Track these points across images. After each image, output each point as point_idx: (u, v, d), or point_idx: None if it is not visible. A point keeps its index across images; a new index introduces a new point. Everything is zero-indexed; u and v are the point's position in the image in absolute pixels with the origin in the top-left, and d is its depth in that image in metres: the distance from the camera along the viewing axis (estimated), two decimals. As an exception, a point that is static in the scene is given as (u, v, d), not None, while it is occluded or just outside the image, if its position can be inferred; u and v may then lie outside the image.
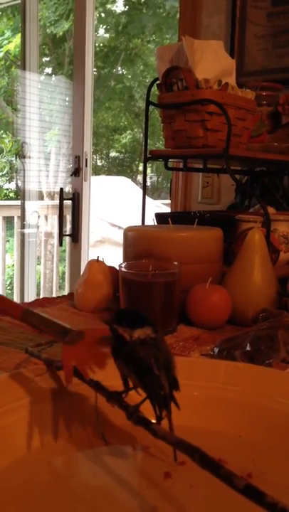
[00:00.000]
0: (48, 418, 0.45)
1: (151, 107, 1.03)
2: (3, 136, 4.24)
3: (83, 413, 0.46)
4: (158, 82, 0.98)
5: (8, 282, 3.83)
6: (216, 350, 0.65)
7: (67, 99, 3.12)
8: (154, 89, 1.02)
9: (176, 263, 0.75)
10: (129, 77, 5.98)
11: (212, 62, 0.92)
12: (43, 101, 3.21)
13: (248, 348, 0.63)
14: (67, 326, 0.48)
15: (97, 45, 5.40)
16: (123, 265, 0.76)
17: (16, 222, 3.20)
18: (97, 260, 0.88)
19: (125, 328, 0.40)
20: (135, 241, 0.84)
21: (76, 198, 2.59)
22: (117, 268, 0.78)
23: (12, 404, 0.45)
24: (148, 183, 5.91)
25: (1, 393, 0.46)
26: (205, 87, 0.89)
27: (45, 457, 0.41)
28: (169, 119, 0.96)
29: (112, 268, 0.89)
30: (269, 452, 0.42)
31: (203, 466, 0.31)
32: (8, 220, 3.32)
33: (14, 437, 0.42)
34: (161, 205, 4.62)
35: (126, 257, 0.85)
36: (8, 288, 3.80)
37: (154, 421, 0.38)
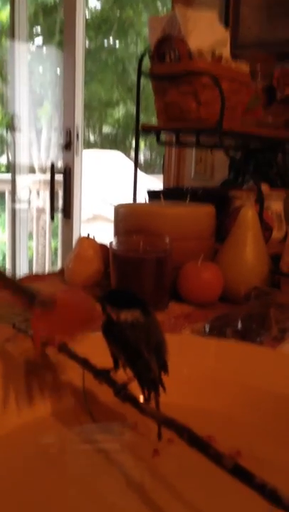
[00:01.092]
0: (35, 394, 0.44)
1: (144, 80, 1.00)
2: (-7, 108, 4.17)
3: (71, 390, 0.46)
4: (150, 52, 0.95)
5: (0, 258, 3.81)
6: (207, 327, 0.64)
7: (58, 70, 3.05)
8: (148, 61, 0.99)
9: (167, 239, 0.74)
10: (122, 49, 5.86)
11: (206, 32, 0.89)
12: (33, 72, 3.14)
13: (239, 325, 0.63)
14: (35, 291, 0.45)
15: (88, 16, 5.26)
16: (114, 241, 0.75)
17: (7, 197, 3.16)
18: (88, 237, 0.87)
19: (113, 308, 0.40)
20: (126, 217, 0.83)
21: (68, 173, 2.56)
22: (108, 244, 0.77)
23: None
24: (141, 159, 5.84)
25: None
26: (198, 57, 0.87)
27: (33, 433, 0.41)
28: (161, 91, 0.94)
29: (102, 245, 0.88)
30: (258, 430, 0.42)
31: (191, 445, 0.30)
32: (0, 196, 3.29)
33: (2, 412, 0.42)
34: (155, 180, 4.58)
35: (117, 233, 0.84)
36: (1, 263, 3.78)
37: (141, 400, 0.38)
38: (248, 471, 0.26)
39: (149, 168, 6.18)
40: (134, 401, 0.37)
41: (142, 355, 0.38)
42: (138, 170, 1.09)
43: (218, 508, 0.33)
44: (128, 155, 5.99)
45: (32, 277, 0.92)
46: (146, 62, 0.99)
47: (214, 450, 0.28)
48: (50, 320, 0.41)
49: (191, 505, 0.33)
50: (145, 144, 5.99)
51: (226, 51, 0.93)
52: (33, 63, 3.19)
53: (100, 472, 0.37)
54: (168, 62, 0.90)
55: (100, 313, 0.40)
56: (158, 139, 1.04)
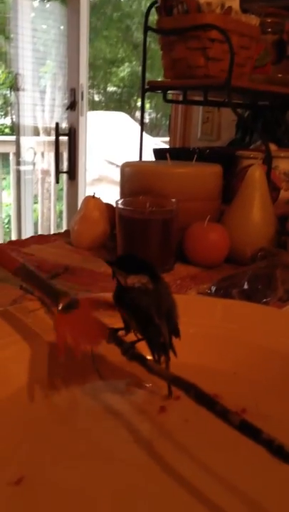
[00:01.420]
0: (42, 353, 0.44)
1: (149, 38, 0.97)
2: (-4, 67, 4.07)
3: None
4: (157, 5, 0.91)
5: (6, 221, 3.80)
6: (213, 288, 0.64)
7: (62, 27, 2.96)
8: (154, 16, 0.96)
9: (174, 200, 0.73)
10: (127, 3, 5.67)
11: (215, -17, 0.85)
12: (37, 29, 3.05)
13: (245, 286, 0.63)
14: (61, 290, 0.43)
15: None
16: (120, 202, 0.74)
17: (12, 159, 3.13)
18: (93, 197, 0.86)
19: (121, 272, 0.40)
20: (132, 177, 0.82)
21: (72, 134, 2.53)
22: (114, 205, 0.76)
23: (7, 338, 0.45)
24: (147, 120, 5.73)
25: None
26: (207, 10, 0.83)
27: (41, 392, 0.41)
28: (169, 46, 0.90)
29: (108, 205, 0.87)
30: (264, 389, 0.43)
31: (198, 402, 0.31)
32: (4, 157, 3.25)
33: (9, 372, 0.42)
34: (160, 143, 4.51)
35: (123, 194, 0.83)
36: (7, 226, 3.78)
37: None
38: (255, 427, 0.27)
39: (154, 130, 6.07)
40: (141, 360, 0.38)
41: (152, 320, 0.38)
42: (143, 131, 1.06)
43: (224, 463, 0.33)
44: (133, 115, 5.88)
45: (38, 238, 0.91)
46: (153, 18, 0.96)
47: (221, 406, 0.29)
48: (72, 323, 0.41)
49: (198, 460, 0.33)
50: (150, 105, 5.87)
51: (235, 4, 0.89)
52: (37, 20, 3.09)
53: (108, 429, 0.37)
54: (176, 15, 0.87)
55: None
56: (165, 98, 1.02)
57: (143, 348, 0.39)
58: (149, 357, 0.38)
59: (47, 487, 0.31)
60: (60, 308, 0.41)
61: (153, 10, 0.93)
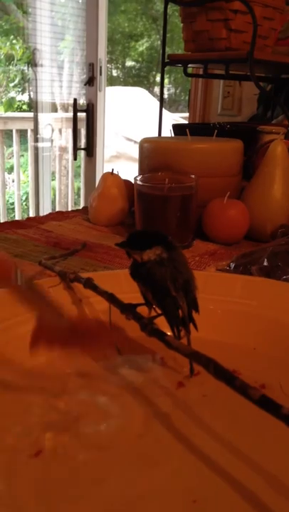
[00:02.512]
0: (62, 329, 0.45)
1: (170, 9, 0.94)
2: (14, 42, 4.03)
3: (98, 324, 0.46)
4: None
5: (24, 198, 3.82)
6: (232, 265, 0.64)
7: (80, 1, 2.90)
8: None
9: (193, 176, 0.72)
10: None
11: None
12: (55, 3, 3.00)
13: (265, 263, 0.62)
14: None
15: None
16: (138, 178, 0.74)
17: (30, 135, 3.12)
18: (112, 173, 0.85)
19: (135, 251, 0.39)
20: (151, 153, 0.81)
21: (90, 110, 2.50)
22: (133, 182, 0.75)
23: (28, 314, 0.45)
24: (165, 96, 5.65)
25: (16, 303, 0.46)
26: (230, -20, 0.81)
27: (59, 366, 0.42)
28: (190, 18, 0.88)
29: (127, 181, 0.86)
30: (283, 364, 0.42)
31: (217, 376, 0.30)
32: (22, 134, 3.24)
33: (28, 346, 0.42)
34: (179, 119, 4.45)
35: (142, 170, 0.82)
36: (25, 203, 3.80)
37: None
38: (274, 401, 0.26)
39: (173, 105, 5.99)
40: (160, 335, 0.38)
41: (169, 293, 0.38)
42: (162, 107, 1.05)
43: (242, 438, 0.33)
44: (151, 91, 5.80)
45: (56, 214, 0.91)
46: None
47: (240, 381, 0.29)
48: (54, 335, 0.39)
49: (215, 434, 0.34)
50: (169, 80, 5.78)
51: (259, -28, 0.87)
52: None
53: (126, 404, 0.37)
54: (197, -15, 0.85)
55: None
56: (185, 72, 1.00)
57: (161, 320, 0.39)
58: (169, 333, 0.38)
59: (64, 459, 0.31)
60: None
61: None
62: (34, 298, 0.41)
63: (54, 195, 3.37)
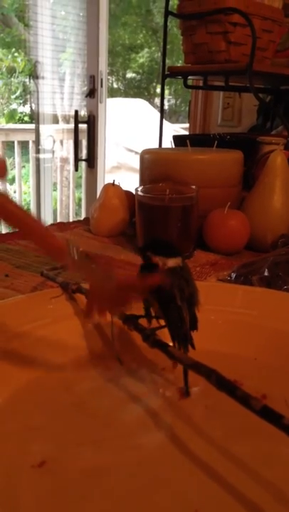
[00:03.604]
0: (65, 339, 0.45)
1: (170, 21, 0.95)
2: (16, 54, 4.07)
3: (100, 335, 0.46)
4: (178, -11, 0.90)
5: (25, 208, 3.82)
6: (233, 275, 0.64)
7: (81, 14, 2.94)
8: (175, 1, 0.95)
9: (194, 187, 0.73)
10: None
11: None
12: (56, 16, 3.04)
13: (265, 273, 0.62)
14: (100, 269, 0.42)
15: None
16: (139, 189, 0.74)
17: (31, 146, 3.14)
18: (113, 184, 0.86)
19: (160, 257, 0.40)
20: (152, 164, 0.81)
21: (91, 121, 2.52)
22: (134, 192, 0.76)
23: (30, 324, 0.45)
24: (166, 106, 5.68)
25: (19, 314, 0.46)
26: (229, -7, 0.82)
27: (62, 377, 0.42)
28: (190, 31, 0.89)
29: (128, 192, 0.87)
30: (285, 374, 0.42)
31: (219, 387, 0.31)
32: (24, 145, 3.27)
33: (32, 357, 0.43)
34: (180, 130, 4.47)
35: (142, 181, 0.83)
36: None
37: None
38: (276, 412, 0.27)
39: (173, 116, 6.02)
40: (162, 346, 0.38)
41: (175, 300, 0.38)
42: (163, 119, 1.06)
43: (243, 449, 0.33)
44: (152, 102, 5.83)
45: (58, 225, 0.92)
46: (173, 3, 0.94)
47: (242, 392, 0.29)
48: (105, 296, 0.41)
49: (217, 445, 0.34)
50: (169, 91, 5.82)
51: (257, -14, 0.88)
52: (56, 7, 3.07)
53: (128, 415, 0.37)
54: (196, -1, 0.86)
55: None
56: (185, 83, 1.01)
57: (163, 332, 0.39)
58: (171, 344, 0.38)
59: (68, 470, 0.32)
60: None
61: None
62: (87, 268, 0.41)
63: (55, 205, 3.38)
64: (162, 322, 0.40)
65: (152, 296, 0.40)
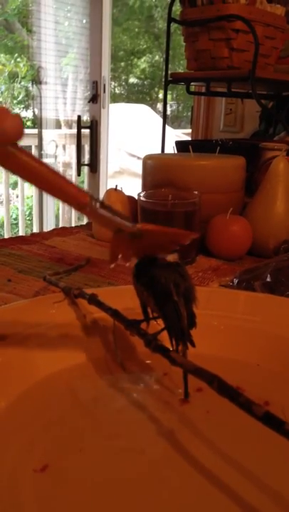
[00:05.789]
0: (67, 344, 0.45)
1: (172, 27, 0.96)
2: (18, 59, 4.09)
3: (102, 340, 0.46)
4: (181, -4, 0.91)
5: (27, 213, 3.84)
6: (236, 281, 0.64)
7: (84, 20, 2.95)
8: (177, 7, 0.95)
9: (196, 192, 0.73)
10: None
11: (240, -28, 0.84)
12: (59, 22, 3.05)
13: (268, 279, 0.62)
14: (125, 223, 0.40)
15: None
16: (142, 194, 0.75)
17: (34, 151, 3.15)
18: (116, 189, 0.86)
19: None
20: (155, 169, 0.82)
21: (94, 126, 2.53)
22: (136, 197, 0.76)
23: (32, 329, 0.45)
24: (168, 112, 5.70)
25: (21, 319, 0.46)
26: (231, 1, 0.82)
27: (65, 381, 0.42)
28: (192, 37, 0.90)
29: (130, 197, 0.87)
30: (287, 380, 0.42)
31: (221, 393, 0.31)
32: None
33: (34, 361, 0.43)
34: (182, 135, 4.48)
35: (145, 186, 0.83)
36: (28, 218, 3.82)
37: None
38: (278, 418, 0.27)
39: (175, 121, 6.04)
40: (164, 351, 0.38)
41: (171, 296, 0.37)
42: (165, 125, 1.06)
43: (245, 455, 0.33)
44: (154, 107, 5.85)
45: (60, 230, 0.92)
46: (176, 9, 0.95)
47: (244, 398, 0.29)
48: (131, 246, 0.40)
49: (219, 451, 0.34)
50: (172, 97, 5.84)
51: (260, -7, 0.88)
52: (59, 12, 3.09)
53: (130, 420, 0.37)
54: (199, 6, 0.86)
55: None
56: (188, 89, 1.01)
57: (165, 337, 0.39)
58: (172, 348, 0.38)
59: (70, 475, 0.32)
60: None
61: (176, 0, 0.93)
62: (108, 216, 0.40)
63: (58, 210, 3.39)
64: (162, 323, 0.40)
65: (148, 292, 0.39)
